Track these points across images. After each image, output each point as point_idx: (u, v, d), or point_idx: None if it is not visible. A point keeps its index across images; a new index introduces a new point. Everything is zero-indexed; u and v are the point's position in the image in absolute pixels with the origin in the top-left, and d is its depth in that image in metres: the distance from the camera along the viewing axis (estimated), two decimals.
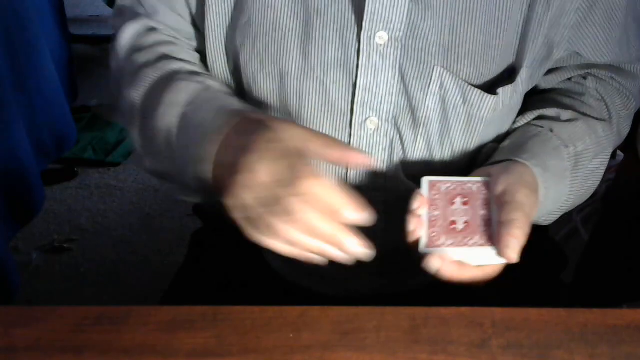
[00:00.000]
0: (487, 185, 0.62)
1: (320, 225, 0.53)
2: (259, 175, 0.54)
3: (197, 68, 0.72)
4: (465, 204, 0.61)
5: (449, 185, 0.63)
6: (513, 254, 0.56)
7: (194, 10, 0.73)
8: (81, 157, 2.10)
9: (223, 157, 0.59)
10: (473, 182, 0.63)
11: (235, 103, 0.65)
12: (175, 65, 0.70)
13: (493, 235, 0.58)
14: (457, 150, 0.71)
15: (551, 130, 0.69)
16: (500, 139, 0.72)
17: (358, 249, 0.54)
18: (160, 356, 0.53)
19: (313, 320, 0.56)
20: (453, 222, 0.60)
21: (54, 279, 1.69)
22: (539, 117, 0.72)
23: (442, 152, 0.71)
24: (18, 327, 0.56)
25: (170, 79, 0.68)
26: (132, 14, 0.76)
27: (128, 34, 0.75)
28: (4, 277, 1.27)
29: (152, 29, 0.75)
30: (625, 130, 0.79)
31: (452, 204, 0.61)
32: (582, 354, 0.53)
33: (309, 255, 0.55)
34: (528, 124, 0.72)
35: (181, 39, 0.76)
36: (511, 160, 0.64)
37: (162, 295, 0.85)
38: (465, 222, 0.60)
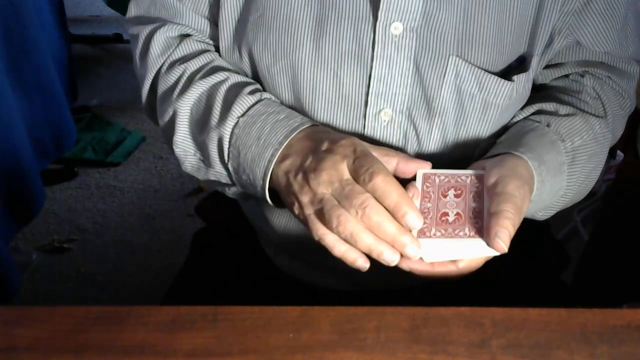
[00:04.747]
0: (481, 178, 0.63)
1: (386, 225, 0.56)
2: (342, 173, 0.59)
3: (244, 77, 0.73)
4: (457, 196, 0.61)
5: (442, 177, 0.63)
6: (501, 245, 0.56)
7: (213, 9, 0.73)
8: (81, 157, 2.10)
9: (294, 160, 0.62)
10: (467, 175, 0.63)
11: (289, 113, 0.68)
12: (224, 75, 0.71)
13: (483, 227, 0.58)
14: (471, 139, 0.71)
15: (548, 125, 0.69)
16: (500, 132, 0.72)
17: (416, 253, 0.57)
18: (160, 356, 0.53)
19: (313, 320, 0.56)
20: (445, 214, 0.60)
21: (54, 279, 1.69)
22: (538, 112, 0.72)
23: (456, 142, 0.71)
24: (18, 327, 0.56)
25: (225, 89, 0.69)
26: (154, 20, 0.76)
27: (160, 43, 0.74)
28: (4, 277, 1.27)
29: (184, 36, 0.75)
30: (619, 131, 0.80)
31: (445, 196, 0.62)
32: (582, 354, 0.53)
33: (356, 258, 0.59)
34: (525, 118, 0.72)
35: (211, 42, 0.77)
36: (507, 153, 0.64)
37: (163, 295, 0.85)
38: (457, 214, 0.60)
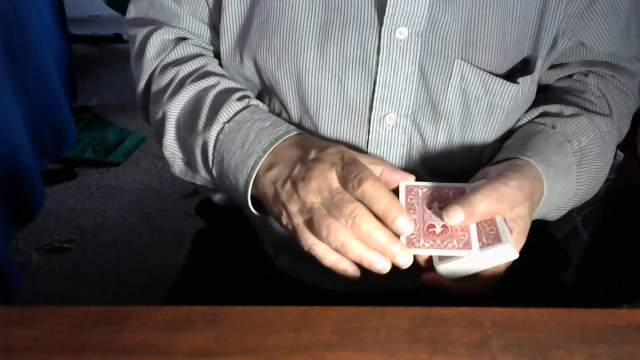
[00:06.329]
0: (462, 191, 0.63)
1: (376, 234, 0.56)
2: (331, 182, 0.58)
3: (235, 83, 0.73)
4: (442, 208, 0.61)
5: (425, 190, 0.64)
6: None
7: (212, 13, 0.73)
8: (81, 157, 2.10)
9: (281, 169, 0.62)
10: (449, 188, 0.64)
11: (275, 121, 0.68)
12: (215, 80, 0.71)
13: (470, 239, 0.58)
14: (477, 142, 0.71)
15: (553, 127, 0.70)
16: (505, 135, 0.72)
17: (407, 262, 0.57)
18: (160, 356, 0.53)
19: (313, 320, 0.56)
20: (431, 226, 0.60)
21: (54, 279, 1.69)
22: (543, 114, 0.73)
23: (462, 145, 0.71)
24: (18, 327, 0.56)
25: (214, 95, 0.70)
26: (151, 22, 0.76)
27: (155, 45, 0.74)
28: (4, 277, 1.27)
29: (180, 39, 0.75)
30: (625, 129, 0.80)
31: (430, 207, 0.62)
32: (582, 354, 0.53)
33: (347, 267, 0.59)
34: (530, 121, 0.72)
35: (207, 46, 0.77)
36: (515, 158, 0.64)
37: (164, 295, 0.85)
38: (443, 226, 0.60)
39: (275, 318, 0.56)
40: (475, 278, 0.60)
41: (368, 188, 0.57)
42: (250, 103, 0.69)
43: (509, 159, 0.65)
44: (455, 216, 0.58)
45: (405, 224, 0.57)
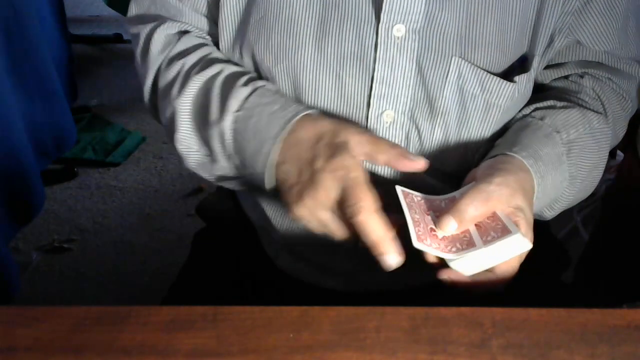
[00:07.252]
0: (454, 201, 0.63)
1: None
2: (333, 197, 0.59)
3: (239, 67, 0.73)
4: (438, 216, 0.61)
5: (419, 198, 0.64)
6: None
7: (212, 8, 0.74)
8: (81, 157, 2.10)
9: (289, 169, 0.63)
10: (441, 200, 0.64)
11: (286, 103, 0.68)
12: (219, 67, 0.71)
13: (473, 239, 0.58)
14: (473, 140, 0.71)
15: (542, 119, 0.70)
16: (501, 133, 0.72)
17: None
18: (160, 356, 0.53)
19: (313, 320, 0.56)
20: (433, 229, 0.60)
21: (54, 279, 1.69)
22: (535, 110, 0.73)
23: (458, 143, 0.71)
24: (18, 327, 0.56)
25: (222, 81, 0.70)
26: (154, 18, 0.76)
27: (160, 40, 0.75)
28: (4, 277, 1.27)
29: (183, 32, 0.76)
30: (622, 132, 0.80)
31: (427, 214, 0.62)
32: (582, 354, 0.53)
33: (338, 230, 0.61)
34: (522, 117, 0.72)
35: (209, 38, 0.77)
36: (502, 154, 0.65)
37: (164, 295, 0.85)
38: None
39: (275, 318, 0.56)
40: (491, 275, 0.60)
41: (361, 220, 0.57)
42: (257, 86, 0.69)
43: (496, 156, 0.65)
44: (448, 226, 0.59)
45: (392, 260, 0.57)
